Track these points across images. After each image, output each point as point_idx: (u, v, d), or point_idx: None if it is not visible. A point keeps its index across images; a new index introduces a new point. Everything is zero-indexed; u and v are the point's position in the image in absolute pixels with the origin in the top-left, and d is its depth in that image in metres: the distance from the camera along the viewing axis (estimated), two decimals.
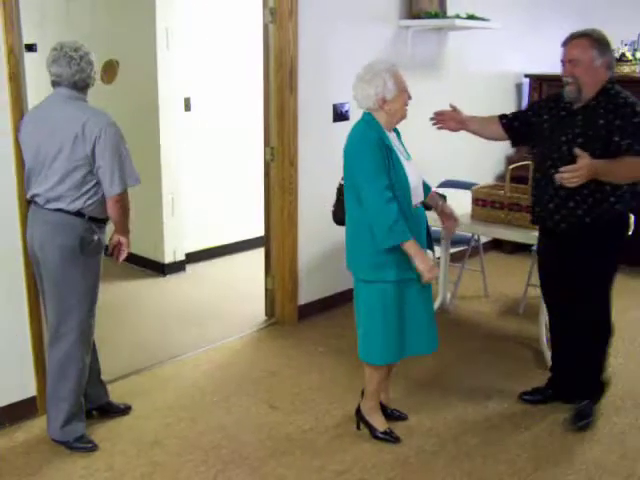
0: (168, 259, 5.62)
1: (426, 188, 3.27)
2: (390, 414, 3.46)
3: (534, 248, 3.94)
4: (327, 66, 4.57)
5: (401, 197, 2.97)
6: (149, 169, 5.43)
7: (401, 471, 3.10)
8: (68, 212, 3.03)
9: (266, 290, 4.76)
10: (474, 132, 3.67)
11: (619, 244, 3.36)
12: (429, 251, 3.16)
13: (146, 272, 5.61)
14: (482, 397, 3.71)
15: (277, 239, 4.60)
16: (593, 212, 3.20)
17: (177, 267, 5.69)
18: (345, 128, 4.65)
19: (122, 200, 3.12)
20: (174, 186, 5.55)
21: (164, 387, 3.81)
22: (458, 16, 5.08)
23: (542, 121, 3.39)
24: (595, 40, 3.17)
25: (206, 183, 5.92)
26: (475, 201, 4.23)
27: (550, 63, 6.25)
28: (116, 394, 3.57)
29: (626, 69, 5.84)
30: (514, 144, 3.82)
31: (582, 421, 3.43)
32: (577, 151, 3.03)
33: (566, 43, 3.24)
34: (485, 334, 4.55)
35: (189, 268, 5.76)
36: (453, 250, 5.09)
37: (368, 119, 3.07)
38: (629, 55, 5.82)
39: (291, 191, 4.50)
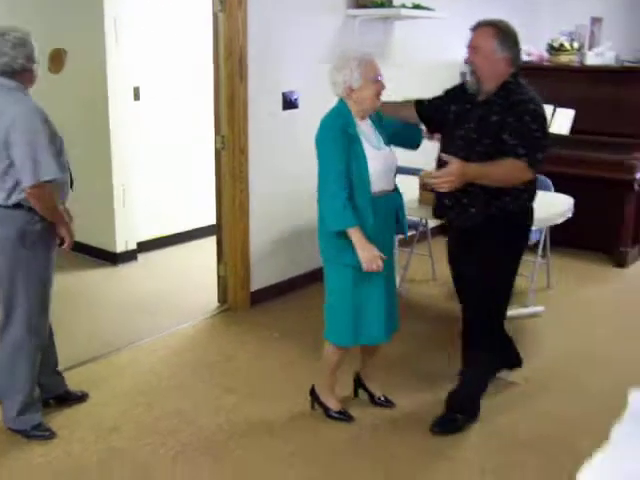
0: (120, 248, 5.62)
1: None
2: (376, 401, 3.54)
3: None
4: (276, 55, 4.62)
5: (358, 185, 3.05)
6: (99, 159, 5.43)
7: (354, 449, 3.20)
8: (6, 206, 2.98)
9: (218, 277, 4.81)
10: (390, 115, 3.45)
11: (515, 248, 3.27)
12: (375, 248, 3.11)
13: (98, 262, 5.61)
14: (436, 378, 3.80)
15: (229, 227, 4.65)
16: (487, 210, 3.12)
17: (129, 256, 5.70)
18: (295, 116, 4.78)
19: (38, 193, 2.94)
20: (125, 175, 5.54)
21: (121, 374, 3.85)
22: (404, 6, 5.19)
23: (449, 111, 3.29)
24: (500, 31, 3.08)
25: (157, 172, 5.93)
26: (422, 186, 4.33)
27: None
28: (73, 382, 3.59)
29: (564, 58, 6.04)
30: (429, 131, 3.51)
31: (441, 427, 3.34)
32: (444, 156, 3.01)
33: (473, 30, 3.15)
34: (434, 316, 4.69)
35: (141, 257, 5.77)
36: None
37: (340, 106, 3.15)
38: (567, 45, 6.01)
39: (242, 179, 4.55)
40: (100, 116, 5.36)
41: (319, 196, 3.12)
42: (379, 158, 3.12)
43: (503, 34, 3.08)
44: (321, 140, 3.09)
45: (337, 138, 3.03)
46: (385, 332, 3.28)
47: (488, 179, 3.03)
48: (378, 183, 3.11)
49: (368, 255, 3.01)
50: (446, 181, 2.93)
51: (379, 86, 3.11)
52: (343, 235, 3.05)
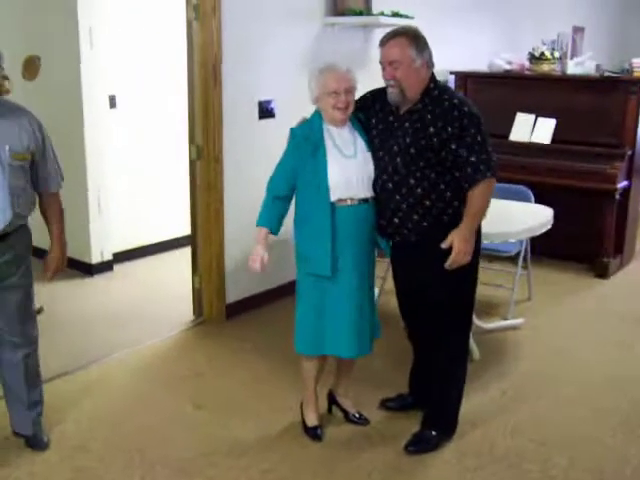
0: (95, 259, 5.53)
1: None
2: (350, 418, 3.46)
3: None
4: (252, 63, 4.55)
5: (316, 192, 3.02)
6: (74, 168, 5.32)
7: (327, 467, 3.12)
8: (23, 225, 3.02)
9: (193, 289, 4.72)
10: None
11: (474, 256, 3.12)
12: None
13: (73, 273, 5.49)
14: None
15: (204, 238, 4.57)
16: (439, 221, 3.05)
17: (104, 267, 5.60)
18: (271, 125, 4.70)
19: (59, 198, 3.15)
20: (100, 185, 5.45)
21: (89, 390, 3.75)
22: (383, 13, 5.14)
23: (370, 125, 3.17)
24: (412, 38, 2.98)
25: (133, 181, 5.84)
26: None
27: (475, 60, 6.39)
28: None
29: (545, 67, 6.00)
30: None
31: (415, 446, 3.25)
32: (444, 245, 2.96)
33: (384, 43, 3.02)
34: None
35: (117, 268, 5.68)
36: None
37: (315, 113, 3.14)
38: (548, 54, 5.98)
39: (217, 189, 4.47)
40: (75, 124, 5.27)
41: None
42: (347, 166, 3.04)
43: (416, 40, 2.99)
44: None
45: (290, 142, 3.11)
46: (354, 347, 3.17)
47: (480, 219, 3.04)
48: (342, 191, 3.02)
49: (251, 255, 3.10)
50: (461, 257, 2.97)
51: (336, 101, 3.01)
52: (302, 244, 3.12)
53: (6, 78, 2.98)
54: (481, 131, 2.97)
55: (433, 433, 3.29)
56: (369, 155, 3.11)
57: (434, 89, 3.03)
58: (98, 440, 3.28)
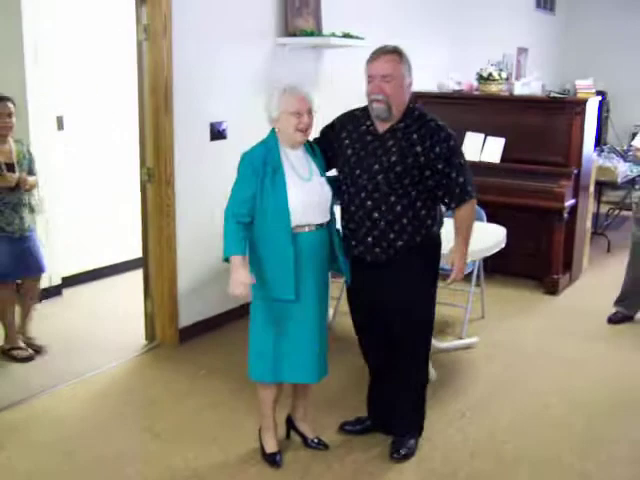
0: (43, 284, 5.35)
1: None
2: (309, 444, 3.40)
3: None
4: (204, 84, 4.51)
5: (275, 217, 2.97)
6: None
7: None
8: None
9: (146, 313, 4.63)
10: None
11: (432, 275, 3.26)
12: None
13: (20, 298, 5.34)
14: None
15: (155, 261, 4.49)
16: (413, 240, 3.10)
17: (53, 292, 5.45)
18: (222, 147, 4.66)
19: None
20: (48, 208, 5.31)
21: (38, 421, 3.62)
22: (334, 34, 5.15)
23: (344, 145, 3.16)
24: (404, 57, 3.05)
25: (82, 204, 5.70)
26: None
27: (424, 80, 6.46)
28: None
29: (493, 88, 6.09)
30: (328, 167, 3.26)
31: (401, 451, 3.32)
32: (449, 264, 3.22)
33: (375, 58, 3.04)
34: None
35: (66, 292, 5.54)
36: None
37: (269, 135, 3.10)
38: (496, 75, 6.07)
39: (168, 212, 4.40)
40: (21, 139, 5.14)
41: None
42: (305, 190, 3.02)
43: (405, 60, 3.07)
44: (237, 169, 3.05)
45: (247, 167, 3.00)
46: (315, 372, 3.17)
47: (470, 236, 3.22)
48: (301, 216, 3.01)
49: (233, 281, 2.96)
50: (461, 274, 3.23)
51: (298, 120, 2.99)
52: (256, 267, 3.02)
53: None
54: (462, 154, 3.14)
55: (411, 441, 3.36)
56: (323, 179, 3.11)
57: (413, 110, 3.12)
58: (48, 474, 3.16)
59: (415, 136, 3.04)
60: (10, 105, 4.09)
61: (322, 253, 3.13)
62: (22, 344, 4.34)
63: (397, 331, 3.25)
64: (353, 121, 3.19)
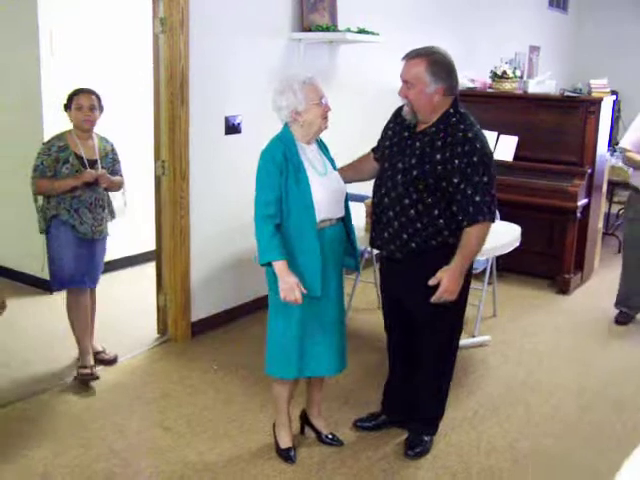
0: None
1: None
2: (323, 439, 3.39)
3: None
4: (219, 78, 4.50)
5: (300, 215, 2.94)
6: None
7: None
8: None
9: (158, 307, 4.62)
10: (348, 182, 3.27)
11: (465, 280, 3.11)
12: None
13: (30, 290, 5.34)
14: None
15: (169, 255, 4.47)
16: (427, 245, 3.05)
17: None
18: (237, 141, 4.65)
19: None
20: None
21: (52, 413, 3.62)
22: (349, 30, 5.13)
23: (387, 135, 3.20)
24: (432, 64, 2.93)
25: None
26: (368, 214, 4.25)
27: None
28: None
29: (507, 86, 6.07)
30: None
31: (416, 449, 3.32)
32: (432, 282, 2.95)
33: (404, 61, 3.01)
34: (381, 346, 4.54)
35: None
36: None
37: (283, 132, 3.05)
38: (510, 73, 6.05)
39: (182, 205, 4.39)
40: (35, 137, 5.12)
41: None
42: (324, 184, 3.02)
43: (435, 66, 2.93)
44: (257, 170, 3.00)
45: (271, 166, 2.94)
46: (336, 364, 3.19)
47: (472, 258, 3.01)
48: (324, 210, 3.00)
49: (286, 287, 2.92)
50: (447, 298, 2.96)
51: (324, 108, 3.02)
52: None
53: None
54: (489, 171, 2.94)
55: (426, 439, 3.35)
56: (337, 173, 3.13)
57: (454, 115, 2.99)
58: (63, 466, 3.16)
59: (439, 143, 2.95)
60: (94, 97, 3.86)
61: (340, 248, 3.15)
62: (91, 362, 3.97)
63: (420, 331, 3.24)
64: (400, 114, 3.15)
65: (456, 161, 2.90)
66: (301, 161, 2.99)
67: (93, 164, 3.88)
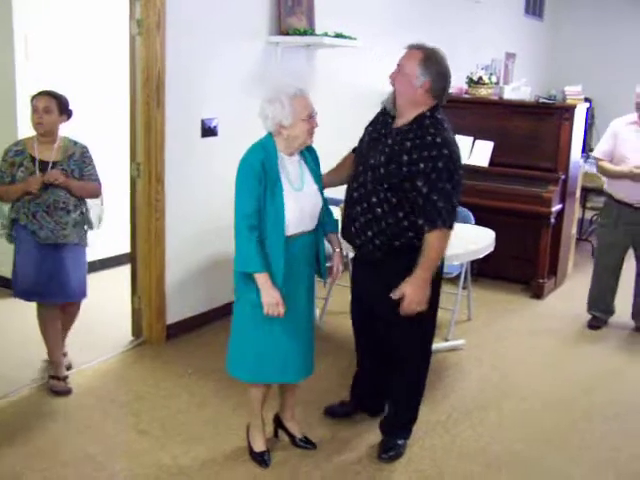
0: None
1: (332, 224, 3.24)
2: (297, 443, 3.39)
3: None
4: (196, 80, 4.49)
5: (273, 226, 2.93)
6: None
7: None
8: None
9: (133, 310, 4.59)
10: (335, 185, 3.38)
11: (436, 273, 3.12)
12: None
13: (8, 293, 5.28)
14: (359, 416, 3.70)
15: (143, 257, 4.45)
16: (391, 245, 3.06)
17: None
18: (213, 144, 4.64)
19: None
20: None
21: (23, 415, 3.58)
22: (326, 34, 5.14)
23: (367, 133, 3.23)
24: (426, 58, 2.99)
25: None
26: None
27: None
28: None
29: (483, 92, 6.12)
30: None
31: (389, 452, 3.33)
32: (395, 296, 2.97)
33: (407, 48, 3.10)
34: (354, 349, 4.59)
35: None
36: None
37: (266, 140, 3.01)
38: (486, 79, 6.10)
39: (158, 208, 4.37)
40: (8, 139, 5.07)
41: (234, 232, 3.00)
42: (299, 200, 2.99)
43: (428, 61, 2.98)
44: (237, 178, 2.96)
45: (250, 176, 2.90)
46: (298, 372, 3.17)
47: (434, 267, 2.98)
48: (294, 227, 2.99)
49: (270, 300, 2.92)
50: (412, 309, 2.96)
51: (311, 124, 2.98)
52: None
53: None
54: (453, 179, 2.93)
55: (399, 442, 3.36)
56: (315, 187, 3.09)
57: (429, 118, 3.00)
58: (34, 470, 3.13)
59: (409, 144, 2.96)
60: (51, 100, 3.72)
61: (310, 255, 3.15)
62: (64, 373, 3.91)
63: (390, 336, 3.28)
64: (384, 114, 3.18)
65: (421, 164, 2.91)
66: (279, 174, 2.95)
67: (48, 167, 3.71)
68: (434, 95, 3.02)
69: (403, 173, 2.95)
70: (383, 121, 3.15)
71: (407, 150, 2.95)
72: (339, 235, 3.29)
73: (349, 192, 3.19)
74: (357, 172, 3.15)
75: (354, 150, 3.39)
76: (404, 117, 3.04)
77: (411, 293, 2.95)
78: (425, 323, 3.23)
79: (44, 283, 3.74)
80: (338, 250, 3.24)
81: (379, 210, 3.03)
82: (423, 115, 3.01)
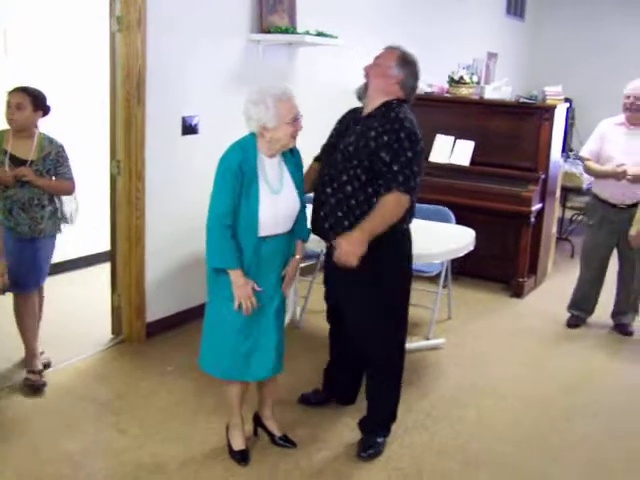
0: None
1: (302, 231, 3.24)
2: (276, 441, 3.39)
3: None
4: (177, 78, 4.47)
5: (245, 227, 2.95)
6: None
7: None
8: None
9: (112, 308, 4.57)
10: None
11: (397, 265, 3.25)
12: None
13: None
14: (336, 411, 3.72)
15: (123, 255, 4.43)
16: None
17: None
18: (194, 141, 4.63)
19: None
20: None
21: (0, 415, 3.55)
22: (308, 32, 5.13)
23: (335, 129, 3.38)
24: (403, 57, 3.21)
25: None
26: None
27: None
28: None
29: (464, 91, 6.14)
30: None
31: (369, 451, 3.35)
32: (334, 243, 3.06)
33: (385, 48, 3.31)
34: None
35: None
36: (302, 264, 5.12)
37: (247, 139, 3.02)
38: (467, 78, 6.12)
39: (138, 205, 4.35)
40: None
41: (206, 228, 3.01)
42: (275, 203, 3.00)
43: (404, 60, 3.21)
44: (216, 175, 2.98)
45: (228, 175, 2.92)
46: (266, 369, 3.16)
47: (379, 228, 3.01)
48: (267, 229, 3.01)
49: (241, 293, 2.97)
50: (346, 259, 2.96)
51: (295, 127, 2.99)
52: (222, 269, 3.00)
53: None
54: (414, 149, 3.05)
55: (379, 440, 3.38)
56: (294, 190, 3.11)
57: (395, 107, 3.13)
58: (11, 469, 3.11)
59: (376, 123, 3.09)
60: (24, 96, 3.74)
61: (283, 255, 3.16)
62: (39, 367, 3.93)
63: (361, 337, 3.34)
64: (354, 112, 3.33)
65: (385, 137, 3.04)
66: (256, 176, 2.96)
67: (22, 164, 3.72)
68: (404, 91, 3.21)
69: (371, 148, 3.05)
70: (352, 117, 3.29)
71: (374, 126, 3.09)
72: (304, 244, 3.31)
73: (319, 179, 3.27)
74: (327, 161, 3.26)
75: (317, 159, 3.48)
76: (372, 104, 3.19)
77: (345, 244, 2.99)
78: (397, 320, 3.32)
79: (23, 275, 3.77)
80: (298, 257, 3.24)
81: (349, 188, 3.10)
82: (391, 102, 3.17)
